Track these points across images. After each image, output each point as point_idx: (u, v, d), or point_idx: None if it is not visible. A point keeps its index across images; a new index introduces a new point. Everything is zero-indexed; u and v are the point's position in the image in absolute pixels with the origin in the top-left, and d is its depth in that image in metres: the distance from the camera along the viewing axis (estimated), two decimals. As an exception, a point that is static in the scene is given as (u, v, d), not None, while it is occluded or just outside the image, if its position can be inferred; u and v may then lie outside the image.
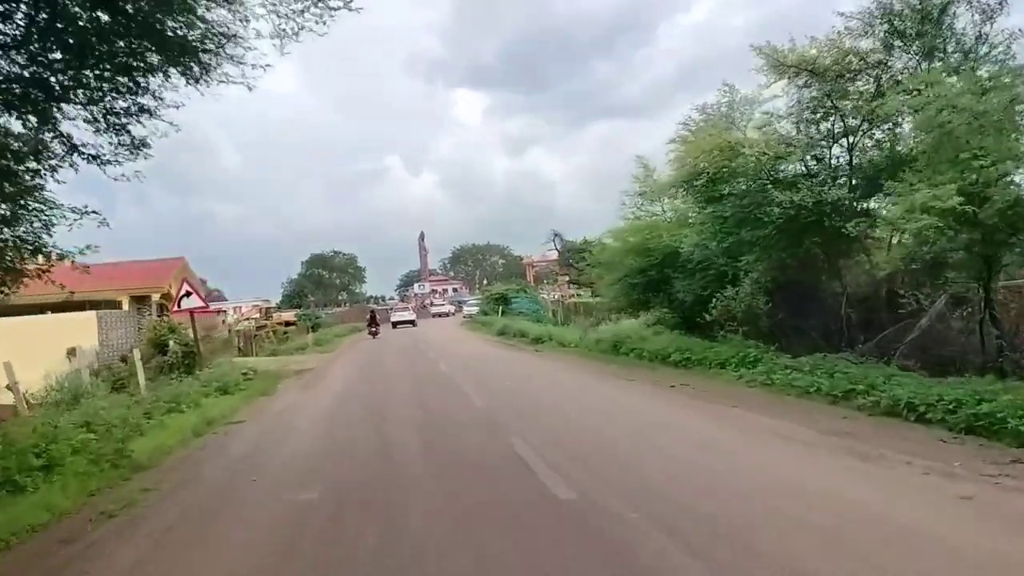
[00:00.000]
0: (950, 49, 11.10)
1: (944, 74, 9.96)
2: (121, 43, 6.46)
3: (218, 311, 60.29)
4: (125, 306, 24.47)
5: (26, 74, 6.52)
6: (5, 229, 7.30)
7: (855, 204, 12.19)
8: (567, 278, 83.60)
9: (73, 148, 7.24)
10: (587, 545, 4.73)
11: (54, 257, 7.91)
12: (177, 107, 7.34)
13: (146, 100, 7.15)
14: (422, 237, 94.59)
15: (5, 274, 7.58)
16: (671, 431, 8.53)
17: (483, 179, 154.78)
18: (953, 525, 4.65)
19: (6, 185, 6.84)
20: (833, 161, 12.82)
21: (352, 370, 20.62)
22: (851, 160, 12.47)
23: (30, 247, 7.57)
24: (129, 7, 6.14)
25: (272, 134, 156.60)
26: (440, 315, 65.24)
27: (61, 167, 7.30)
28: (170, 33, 6.41)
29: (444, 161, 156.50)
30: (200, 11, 6.45)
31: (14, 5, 6.24)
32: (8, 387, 11.87)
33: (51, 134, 7.04)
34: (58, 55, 6.52)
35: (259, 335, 35.39)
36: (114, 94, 6.98)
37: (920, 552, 4.22)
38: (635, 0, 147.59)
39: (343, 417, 11.39)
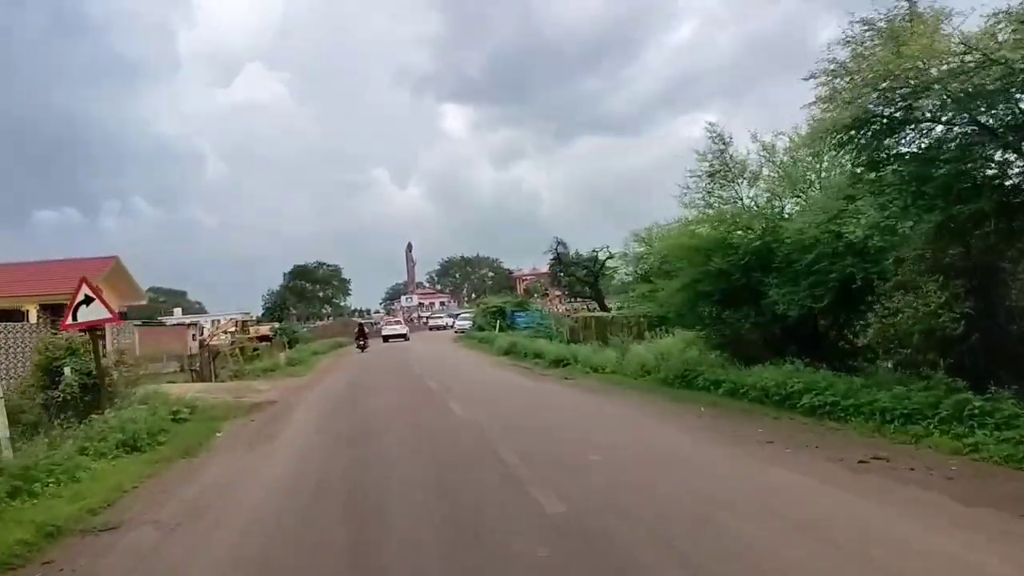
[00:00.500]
0: None
1: None
2: None
3: (190, 324, 55.23)
4: (33, 317, 18.94)
5: None
6: None
7: None
8: (558, 292, 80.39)
9: None
10: None
11: None
12: None
13: None
14: (409, 248, 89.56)
15: None
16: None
17: (470, 192, 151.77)
18: None
19: None
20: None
21: (327, 406, 15.39)
22: None
23: None
24: None
25: (257, 145, 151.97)
26: (438, 328, 61.94)
27: None
28: None
29: (431, 174, 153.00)
30: None
31: None
32: None
33: None
34: None
35: (223, 353, 30.06)
36: None
37: None
38: (621, 17, 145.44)
39: (299, 526, 6.30)
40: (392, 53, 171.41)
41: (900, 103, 8.22)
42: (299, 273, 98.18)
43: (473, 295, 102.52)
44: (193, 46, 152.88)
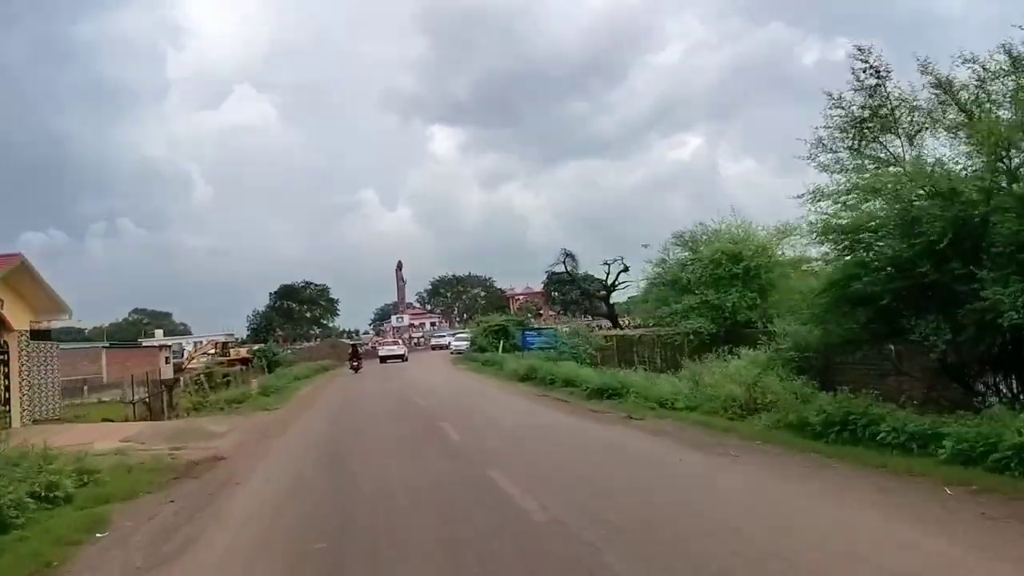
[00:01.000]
0: None
1: None
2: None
3: (162, 347, 49.80)
4: None
5: None
6: None
7: None
8: (551, 312, 76.31)
9: None
10: None
11: None
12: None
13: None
14: (399, 267, 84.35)
15: None
16: None
17: (459, 214, 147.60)
18: None
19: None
20: None
21: (294, 472, 10.03)
22: None
23: None
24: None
25: (246, 167, 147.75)
26: (441, 347, 59.63)
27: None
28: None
29: (420, 196, 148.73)
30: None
31: None
32: None
33: None
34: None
35: (182, 381, 24.94)
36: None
37: None
38: (609, 41, 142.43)
39: None
40: (380, 76, 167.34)
41: None
42: (286, 293, 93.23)
43: (465, 315, 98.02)
44: (181, 69, 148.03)
